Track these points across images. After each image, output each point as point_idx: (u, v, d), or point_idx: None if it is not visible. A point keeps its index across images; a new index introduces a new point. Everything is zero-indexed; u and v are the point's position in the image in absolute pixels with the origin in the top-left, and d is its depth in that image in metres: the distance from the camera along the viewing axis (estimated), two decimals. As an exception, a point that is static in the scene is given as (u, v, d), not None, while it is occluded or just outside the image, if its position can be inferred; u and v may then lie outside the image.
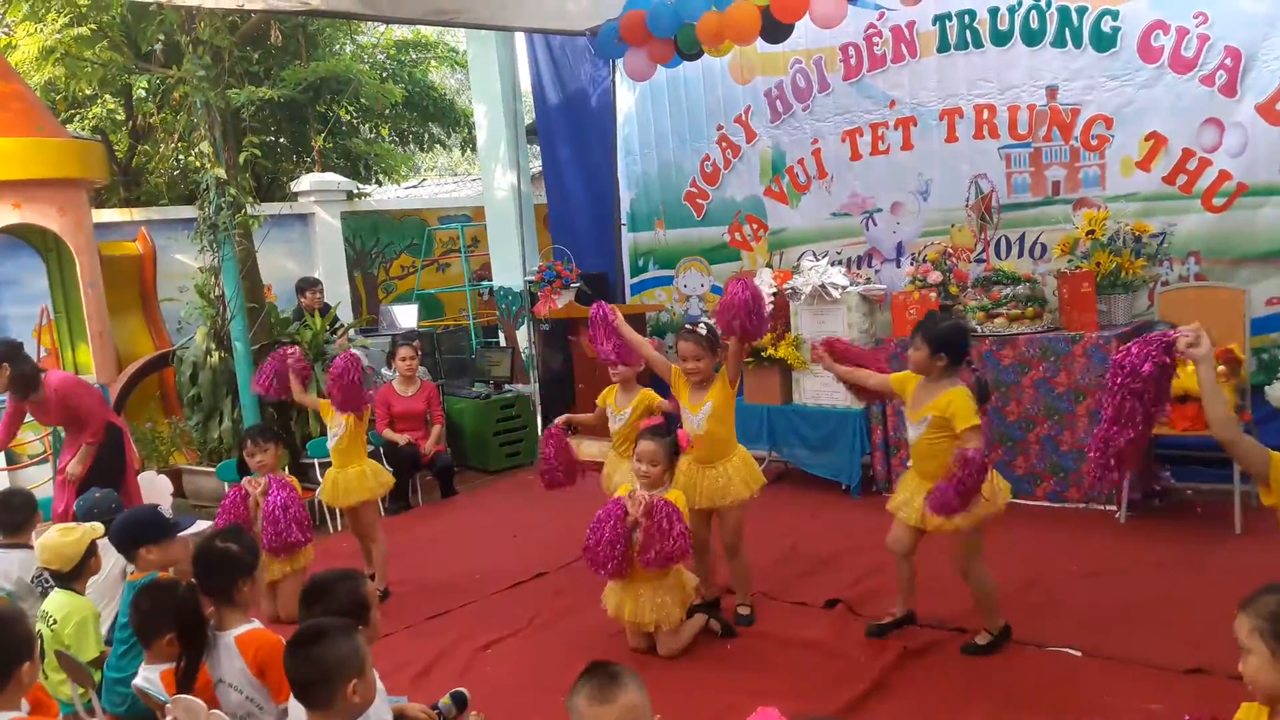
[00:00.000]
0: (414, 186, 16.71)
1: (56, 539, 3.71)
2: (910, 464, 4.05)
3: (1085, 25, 5.95)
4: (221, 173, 6.68)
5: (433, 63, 14.51)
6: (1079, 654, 3.80)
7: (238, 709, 2.90)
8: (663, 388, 4.68)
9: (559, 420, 4.92)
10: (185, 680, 2.91)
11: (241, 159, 7.15)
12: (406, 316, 9.52)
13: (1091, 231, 5.72)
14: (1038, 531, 5.17)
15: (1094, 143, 6.00)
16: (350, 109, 12.87)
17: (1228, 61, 5.51)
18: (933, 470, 3.79)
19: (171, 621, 2.98)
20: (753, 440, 6.53)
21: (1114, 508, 5.36)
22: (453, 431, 7.97)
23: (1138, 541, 4.97)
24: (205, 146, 6.77)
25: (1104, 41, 5.90)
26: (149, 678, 3.08)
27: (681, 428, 4.25)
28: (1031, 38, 6.15)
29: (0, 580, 4.12)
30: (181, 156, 11.11)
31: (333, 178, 10.91)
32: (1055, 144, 6.14)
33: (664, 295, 8.34)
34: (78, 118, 11.26)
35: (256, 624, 3.05)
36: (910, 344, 3.85)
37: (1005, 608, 4.18)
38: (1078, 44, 5.99)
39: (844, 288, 6.31)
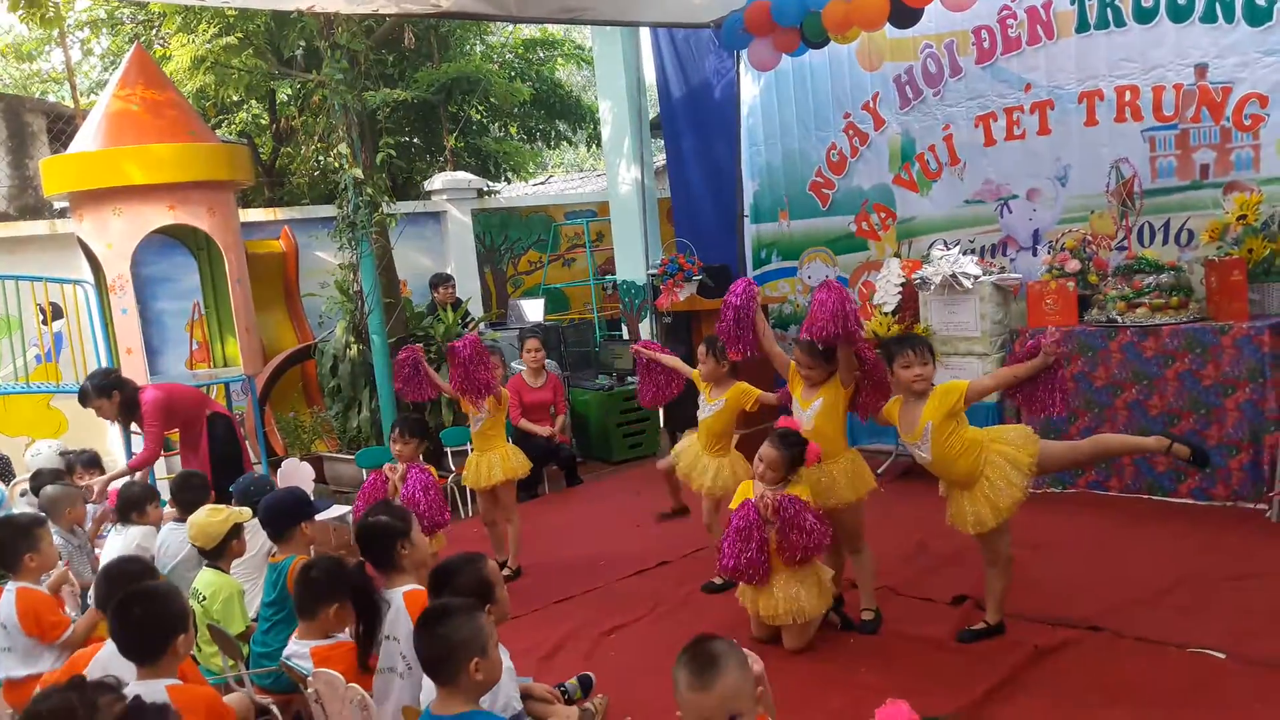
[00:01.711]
0: (541, 183, 17.05)
1: (205, 518, 3.96)
2: (943, 487, 4.00)
3: (1238, -2, 5.61)
4: (359, 173, 6.97)
5: (559, 60, 14.75)
6: (1223, 657, 3.63)
7: (396, 664, 3.03)
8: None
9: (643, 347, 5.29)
10: (364, 649, 3.09)
11: (378, 159, 7.45)
12: (534, 310, 9.74)
13: (1243, 216, 5.41)
14: (1181, 530, 4.97)
15: (1247, 123, 5.64)
16: (480, 108, 13.22)
17: (1401, 31, 5.10)
18: (964, 471, 3.81)
19: (338, 594, 3.18)
20: (880, 434, 6.44)
21: (1264, 506, 5.07)
22: (577, 422, 8.13)
23: (1290, 542, 4.71)
24: (343, 148, 7.08)
25: (1258, 15, 5.54)
26: (298, 650, 3.25)
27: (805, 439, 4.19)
28: (1179, 14, 5.82)
29: (180, 548, 4.41)
30: (321, 158, 11.64)
31: (464, 176, 11.24)
32: (1204, 125, 5.80)
33: (787, 287, 8.28)
34: (225, 123, 11.95)
35: (422, 586, 3.19)
36: (918, 362, 3.82)
37: (1147, 608, 4.08)
38: (1229, 18, 5.64)
39: (976, 277, 6.12)
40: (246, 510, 4.06)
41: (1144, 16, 5.96)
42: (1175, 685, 3.46)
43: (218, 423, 6.02)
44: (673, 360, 5.36)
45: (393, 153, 7.74)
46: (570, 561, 5.55)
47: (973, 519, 3.83)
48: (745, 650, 2.23)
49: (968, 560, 4.51)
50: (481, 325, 8.50)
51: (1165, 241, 6.00)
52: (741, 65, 8.21)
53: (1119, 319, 5.62)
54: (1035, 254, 6.56)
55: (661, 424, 8.41)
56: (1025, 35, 6.49)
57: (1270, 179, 5.57)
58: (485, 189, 11.49)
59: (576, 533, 6.20)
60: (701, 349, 4.92)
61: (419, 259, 10.14)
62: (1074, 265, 5.97)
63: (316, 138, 11.21)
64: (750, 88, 8.31)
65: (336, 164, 7.22)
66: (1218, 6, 5.67)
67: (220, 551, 3.93)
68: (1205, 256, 5.59)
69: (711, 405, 4.89)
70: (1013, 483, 3.77)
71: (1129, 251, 6.03)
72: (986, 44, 6.69)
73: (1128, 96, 6.08)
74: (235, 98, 11.26)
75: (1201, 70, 5.78)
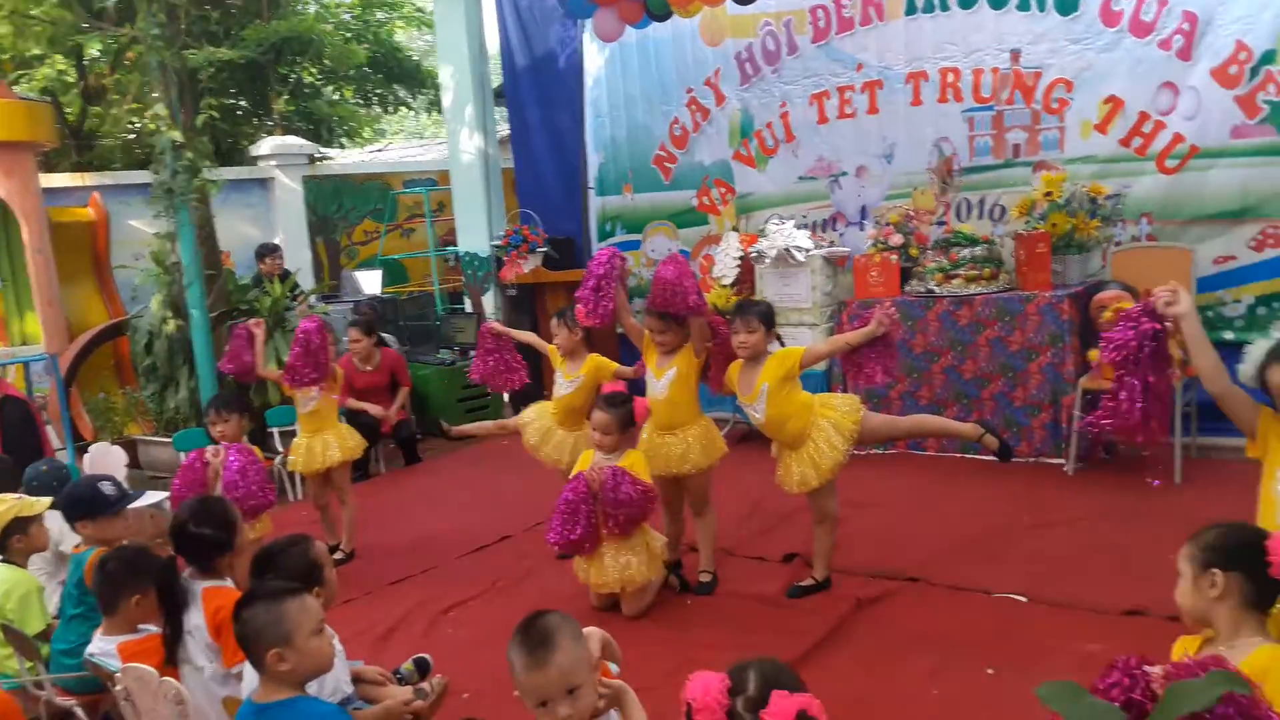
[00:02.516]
0: (378, 150, 16.49)
1: None
2: (774, 448, 4.18)
3: (1049, -12, 5.97)
4: (178, 136, 6.55)
5: (399, 23, 14.31)
6: (1024, 600, 3.93)
7: (196, 658, 2.91)
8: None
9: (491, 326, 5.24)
10: (170, 649, 2.91)
11: (199, 121, 7.01)
12: (370, 282, 9.44)
13: (1049, 193, 5.79)
14: (990, 484, 5.30)
15: (1054, 106, 6.04)
16: (313, 70, 12.66)
17: (1185, 26, 5.56)
18: (793, 432, 3.99)
19: (138, 585, 2.99)
20: (718, 403, 6.58)
21: (1063, 461, 5.49)
22: (417, 398, 7.95)
23: (1084, 493, 5.13)
24: (161, 109, 6.63)
25: (1067, 5, 5.92)
26: (104, 648, 3.04)
27: (642, 395, 4.29)
28: (997, 1, 6.15)
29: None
30: (136, 119, 10.89)
31: (294, 141, 10.76)
32: (1017, 107, 6.17)
33: (631, 260, 8.32)
34: (25, 79, 10.98)
35: (229, 582, 3.05)
36: (744, 330, 3.99)
37: (957, 558, 4.36)
38: (1041, 7, 6.01)
39: (808, 251, 6.33)
40: (40, 500, 3.70)
41: (965, 2, 6.26)
42: (982, 628, 3.72)
43: (10, 407, 5.57)
44: (528, 336, 5.35)
45: (216, 115, 7.30)
46: (407, 541, 5.43)
47: (798, 478, 4.01)
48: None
49: (798, 520, 4.71)
50: (312, 298, 8.16)
51: (980, 217, 6.37)
52: (586, 35, 8.15)
53: (937, 289, 5.94)
54: (862, 228, 6.82)
55: (506, 399, 8.33)
56: (858, 16, 6.70)
57: (1073, 159, 5.99)
58: (317, 155, 11.02)
59: (414, 512, 6.06)
60: (553, 321, 4.90)
61: (244, 228, 9.65)
62: (897, 239, 6.25)
63: (130, 98, 10.49)
64: (595, 58, 8.26)
65: (153, 126, 6.73)
66: (1030, -5, 6.03)
67: (2, 545, 3.58)
68: (1015, 231, 5.96)
69: (570, 381, 4.86)
70: (835, 446, 3.95)
71: (947, 226, 6.36)
72: (822, 23, 6.87)
73: (950, 78, 6.38)
74: (36, 51, 10.38)
75: (1016, 55, 6.12)
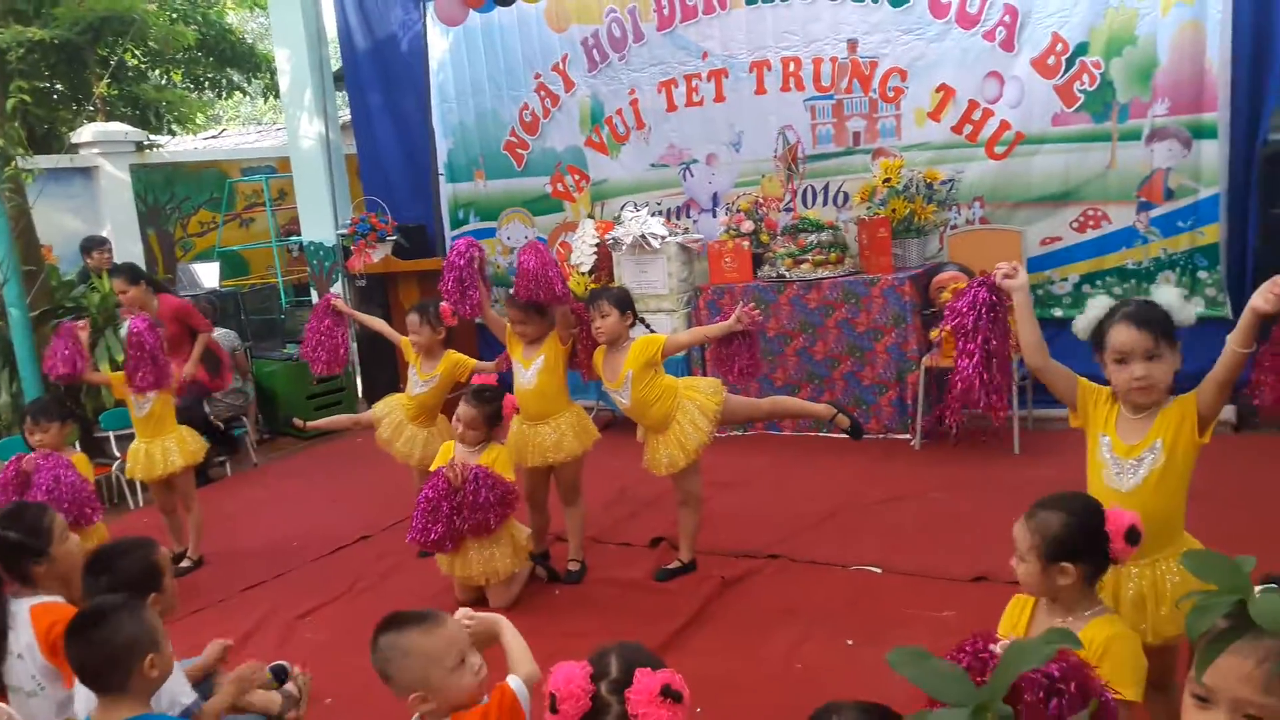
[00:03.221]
0: (213, 137, 15.67)
1: None
2: (640, 432, 4.25)
3: (881, -20, 6.20)
4: (-17, 120, 6.07)
5: (230, 3, 13.61)
6: (879, 571, 4.11)
7: (25, 684, 2.73)
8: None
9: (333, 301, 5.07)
10: None
11: (9, 106, 6.51)
12: (208, 275, 8.98)
13: (888, 179, 6.04)
14: (842, 461, 5.51)
15: (890, 94, 6.29)
16: (137, 53, 11.88)
17: (1006, 19, 5.89)
18: (658, 416, 4.06)
19: None
20: (581, 391, 6.58)
21: (909, 436, 5.75)
22: (264, 396, 7.63)
23: (930, 465, 5.39)
24: (-38, 91, 6.13)
25: (898, -4, 6.17)
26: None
27: (510, 393, 4.25)
28: (832, -9, 6.35)
29: None
30: (-64, 103, 9.96)
31: (119, 127, 10.11)
32: (856, 96, 6.39)
33: (486, 248, 8.17)
34: None
35: (58, 598, 2.85)
36: (598, 315, 4.03)
37: (815, 534, 4.52)
38: (875, -1, 6.24)
39: (663, 238, 6.40)
40: None
41: (803, -8, 6.43)
42: (841, 599, 3.87)
43: None
44: (378, 323, 5.19)
45: (28, 98, 6.76)
46: (259, 546, 5.22)
47: (666, 461, 4.06)
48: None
49: (663, 503, 4.77)
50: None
51: (825, 203, 6.59)
52: (429, 18, 7.96)
53: (787, 274, 6.12)
54: (715, 215, 6.94)
55: (360, 393, 8.10)
56: (701, 4, 6.78)
57: (909, 145, 6.27)
58: (146, 142, 10.36)
59: (264, 516, 5.83)
60: (414, 318, 4.73)
61: (67, 221, 8.99)
62: (748, 226, 6.41)
63: (-73, 79, 9.58)
64: (439, 42, 8.07)
65: (-47, 110, 6.21)
66: (864, -13, 6.24)
67: None
68: (858, 216, 6.20)
69: (426, 381, 4.76)
70: (700, 427, 4.02)
71: (794, 212, 6.55)
72: (666, 11, 6.92)
73: (792, 67, 6.55)
74: None
75: (853, 45, 6.34)
